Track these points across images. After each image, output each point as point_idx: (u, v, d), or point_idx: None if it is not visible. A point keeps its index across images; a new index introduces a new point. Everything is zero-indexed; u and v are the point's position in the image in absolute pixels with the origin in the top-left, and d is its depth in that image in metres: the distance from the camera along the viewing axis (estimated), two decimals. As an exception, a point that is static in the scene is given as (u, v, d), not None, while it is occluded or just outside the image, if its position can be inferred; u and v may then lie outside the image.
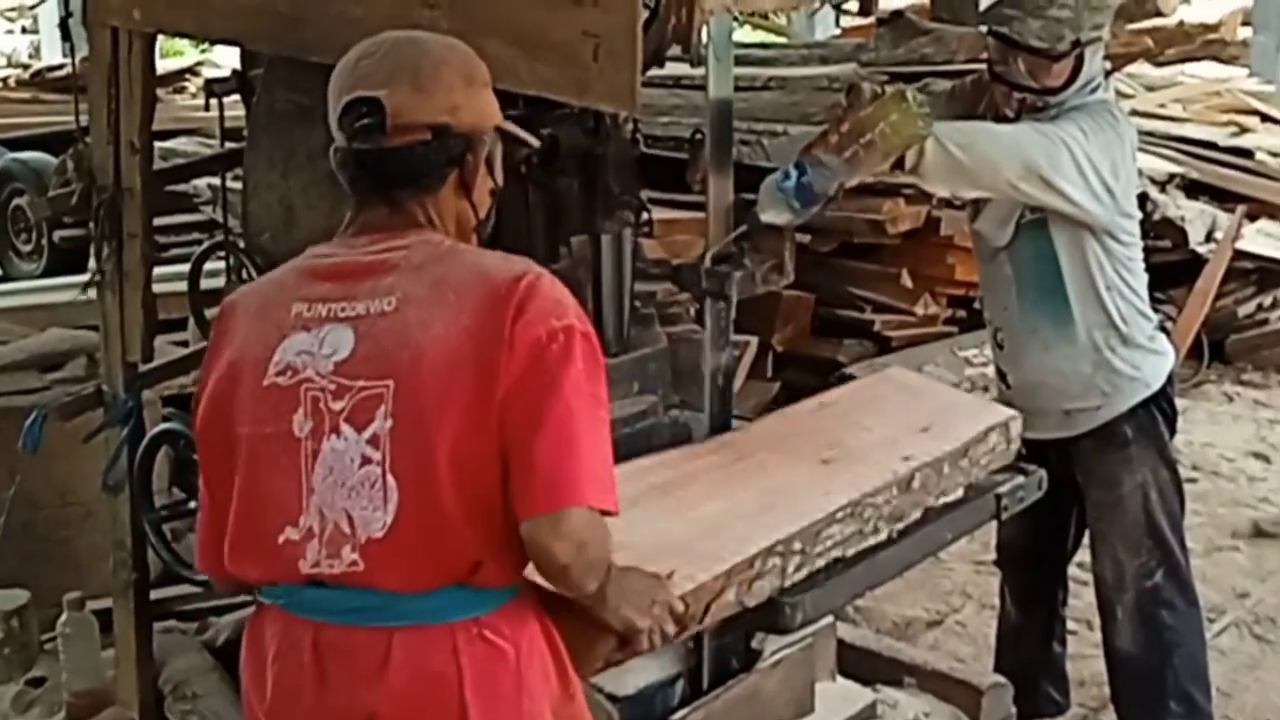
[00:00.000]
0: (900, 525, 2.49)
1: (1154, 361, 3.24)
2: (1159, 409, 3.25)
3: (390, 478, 1.79)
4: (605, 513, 1.82)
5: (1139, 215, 3.18)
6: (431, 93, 1.89)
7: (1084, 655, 3.87)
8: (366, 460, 1.80)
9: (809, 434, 2.61)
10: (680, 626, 2.07)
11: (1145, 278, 3.26)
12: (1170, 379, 3.28)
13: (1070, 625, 3.93)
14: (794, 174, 2.52)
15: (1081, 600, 3.89)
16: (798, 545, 2.26)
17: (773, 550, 2.21)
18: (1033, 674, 3.50)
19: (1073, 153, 2.91)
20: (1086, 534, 3.51)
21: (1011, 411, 2.80)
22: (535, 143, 2.14)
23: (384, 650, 1.82)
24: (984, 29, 3.24)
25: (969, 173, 2.81)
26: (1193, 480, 5.48)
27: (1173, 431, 3.32)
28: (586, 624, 1.97)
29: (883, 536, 2.45)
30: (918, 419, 2.71)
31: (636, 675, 2.25)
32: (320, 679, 1.85)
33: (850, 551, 2.38)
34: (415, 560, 1.81)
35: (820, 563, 2.33)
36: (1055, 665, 3.67)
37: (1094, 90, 3.10)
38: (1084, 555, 3.64)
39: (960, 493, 2.63)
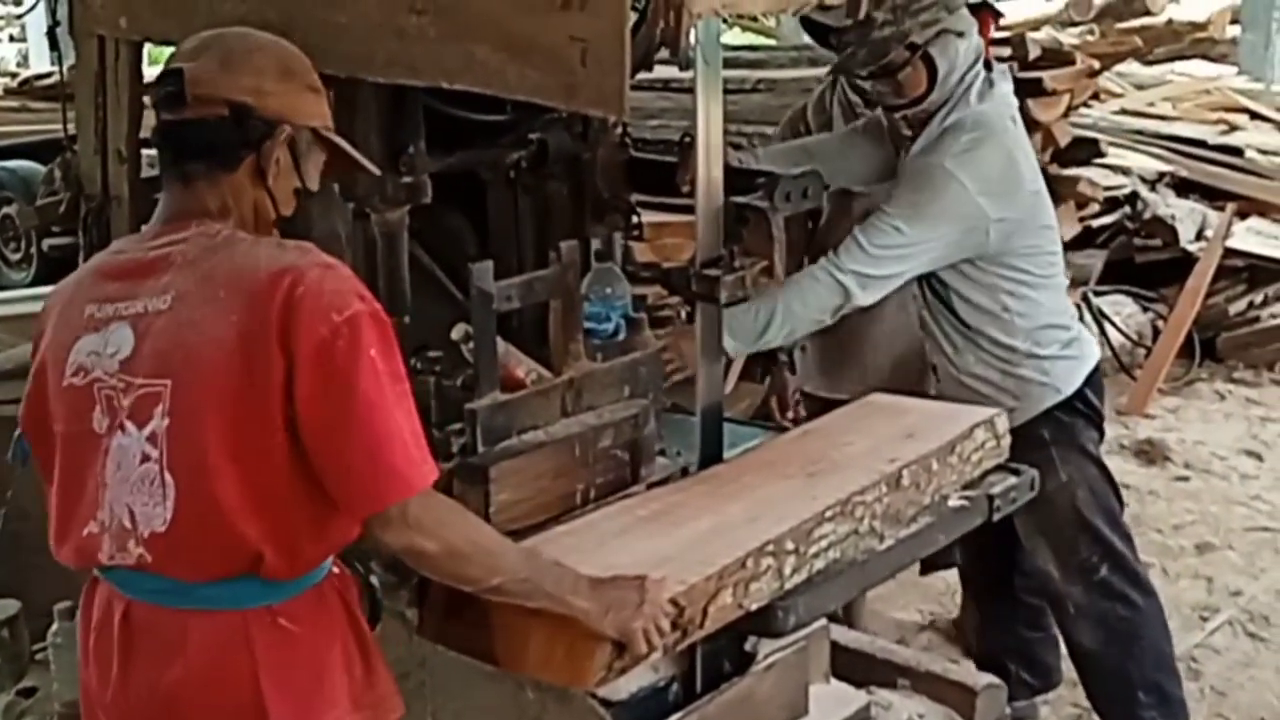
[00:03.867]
0: (899, 525, 2.49)
1: (1065, 367, 3.24)
2: (1077, 411, 3.25)
3: (168, 474, 1.82)
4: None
5: (1054, 223, 3.20)
6: (236, 72, 1.90)
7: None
8: (146, 458, 1.84)
9: (794, 456, 2.62)
10: (680, 632, 2.07)
11: (1062, 285, 3.27)
12: (1091, 380, 3.27)
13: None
14: None
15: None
16: (790, 545, 2.26)
17: (764, 550, 2.21)
18: (998, 660, 3.51)
19: (936, 232, 2.99)
20: None
21: (996, 409, 2.81)
22: (374, 170, 2.14)
23: (181, 632, 1.87)
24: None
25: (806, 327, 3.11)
26: (1185, 479, 5.50)
27: (1100, 431, 3.33)
28: (581, 635, 1.98)
29: (880, 537, 2.45)
30: (901, 429, 2.72)
31: (629, 680, 2.24)
32: (126, 654, 1.90)
33: (848, 553, 2.38)
34: (196, 553, 1.84)
35: (818, 564, 2.32)
36: (1024, 650, 3.67)
37: (969, 89, 3.09)
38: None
39: (958, 492, 2.64)
